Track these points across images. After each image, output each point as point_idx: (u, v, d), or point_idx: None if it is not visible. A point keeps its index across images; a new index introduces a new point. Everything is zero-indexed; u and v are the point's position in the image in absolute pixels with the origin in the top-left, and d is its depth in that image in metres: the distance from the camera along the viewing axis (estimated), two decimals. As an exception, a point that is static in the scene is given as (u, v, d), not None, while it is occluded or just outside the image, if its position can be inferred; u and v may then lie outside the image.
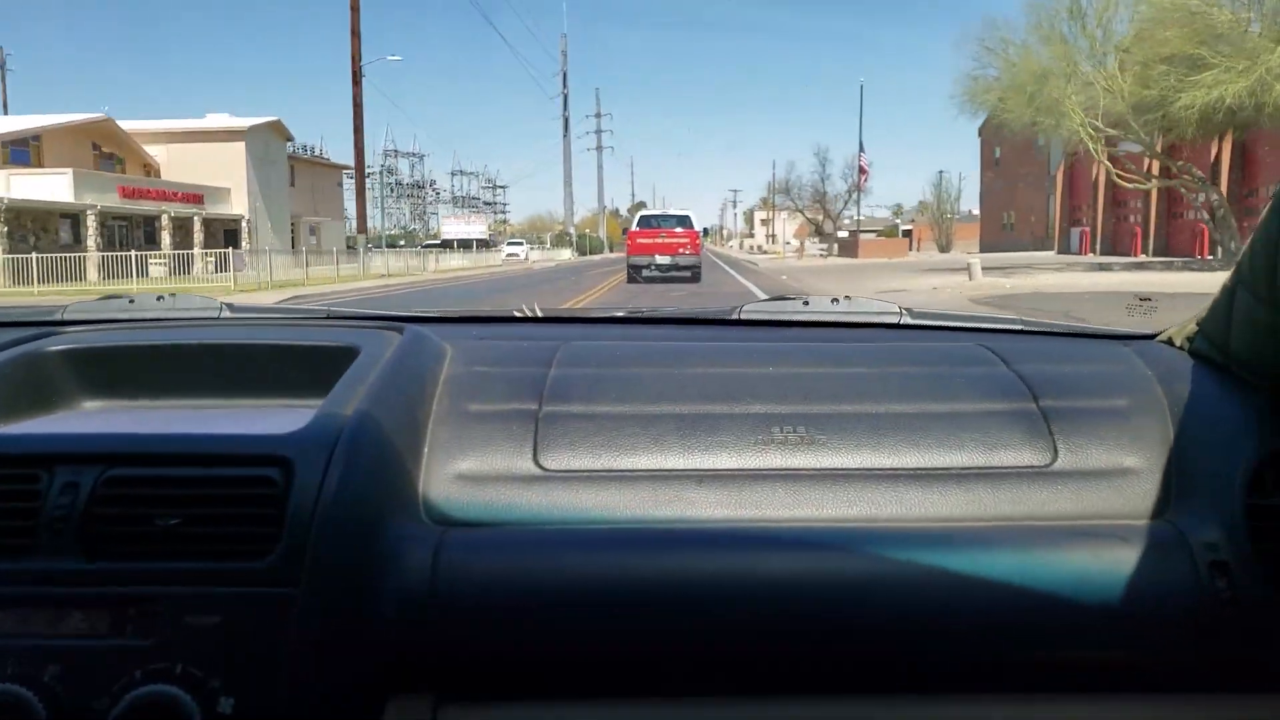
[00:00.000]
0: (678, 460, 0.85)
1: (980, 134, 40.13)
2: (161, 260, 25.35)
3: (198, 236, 28.81)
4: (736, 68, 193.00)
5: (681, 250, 18.74)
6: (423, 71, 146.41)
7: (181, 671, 0.67)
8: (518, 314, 1.30)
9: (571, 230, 65.29)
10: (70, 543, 0.70)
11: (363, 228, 25.04)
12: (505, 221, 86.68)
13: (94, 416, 0.98)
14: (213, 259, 26.41)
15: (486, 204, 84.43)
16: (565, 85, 63.78)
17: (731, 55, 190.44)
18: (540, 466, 0.84)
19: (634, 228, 19.83)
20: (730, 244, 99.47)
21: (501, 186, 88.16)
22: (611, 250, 68.16)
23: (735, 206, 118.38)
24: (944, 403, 0.91)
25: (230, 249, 25.38)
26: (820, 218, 46.02)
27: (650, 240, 18.94)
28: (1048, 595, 0.74)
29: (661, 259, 18.58)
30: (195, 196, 29.39)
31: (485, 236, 36.12)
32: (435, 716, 0.72)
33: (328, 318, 1.22)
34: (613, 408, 0.90)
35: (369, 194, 75.31)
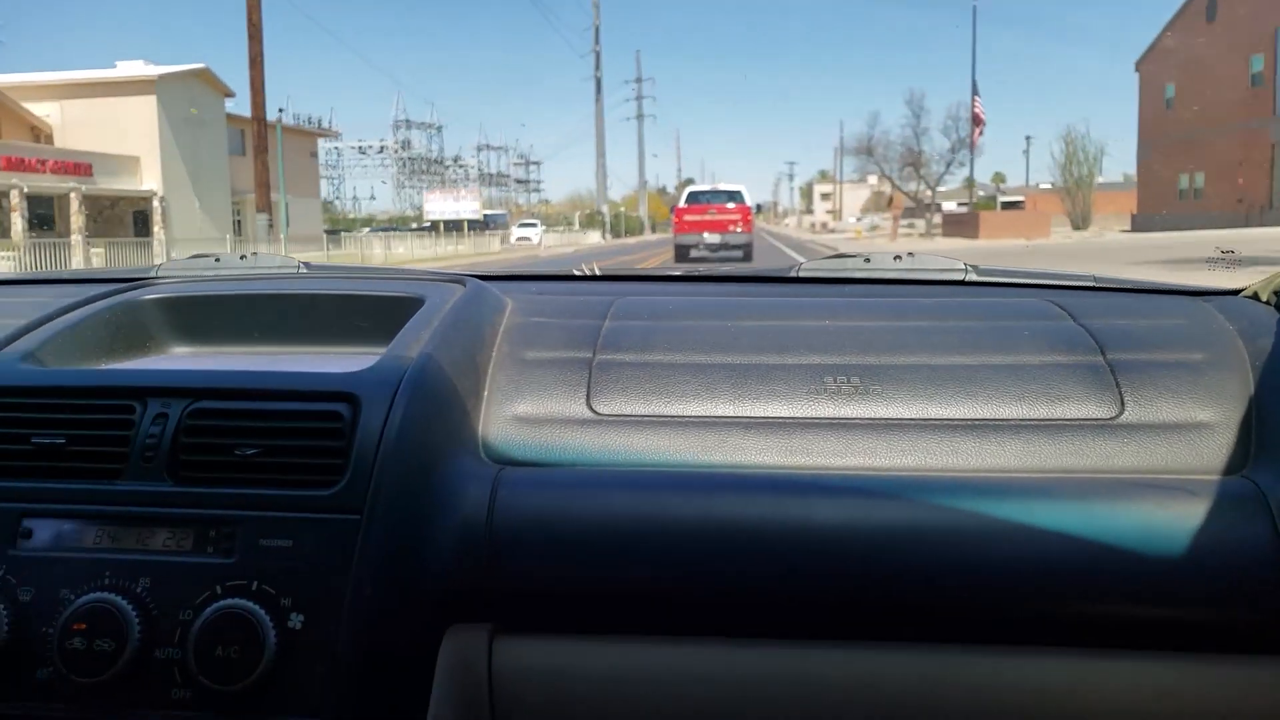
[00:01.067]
0: (728, 408, 0.85)
1: (1139, 68, 30.18)
2: (7, 253, 17.84)
3: (75, 220, 21.12)
4: (794, 25, 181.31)
5: (732, 228, 17.47)
6: (437, 33, 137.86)
7: (257, 588, 0.72)
8: (576, 273, 1.32)
9: (604, 208, 56.72)
10: (159, 468, 0.77)
11: (263, 203, 16.91)
12: (546, 201, 78.66)
13: (182, 359, 1.06)
14: (101, 249, 18.77)
15: (519, 181, 76.39)
16: (597, 41, 55.10)
17: (789, 10, 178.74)
18: (593, 410, 0.86)
19: (681, 204, 18.65)
20: (786, 222, 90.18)
21: (535, 163, 79.63)
22: (654, 231, 60.03)
23: (791, 180, 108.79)
24: (1004, 355, 0.89)
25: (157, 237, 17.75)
26: (916, 185, 36.02)
27: (699, 217, 17.66)
28: (1111, 548, 0.71)
29: (711, 237, 17.33)
30: (79, 166, 21.68)
31: (478, 215, 28.02)
32: (491, 646, 0.76)
33: (396, 274, 1.26)
34: (665, 357, 0.91)
35: (383, 170, 67.98)
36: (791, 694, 0.74)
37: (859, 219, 69.50)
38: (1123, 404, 0.83)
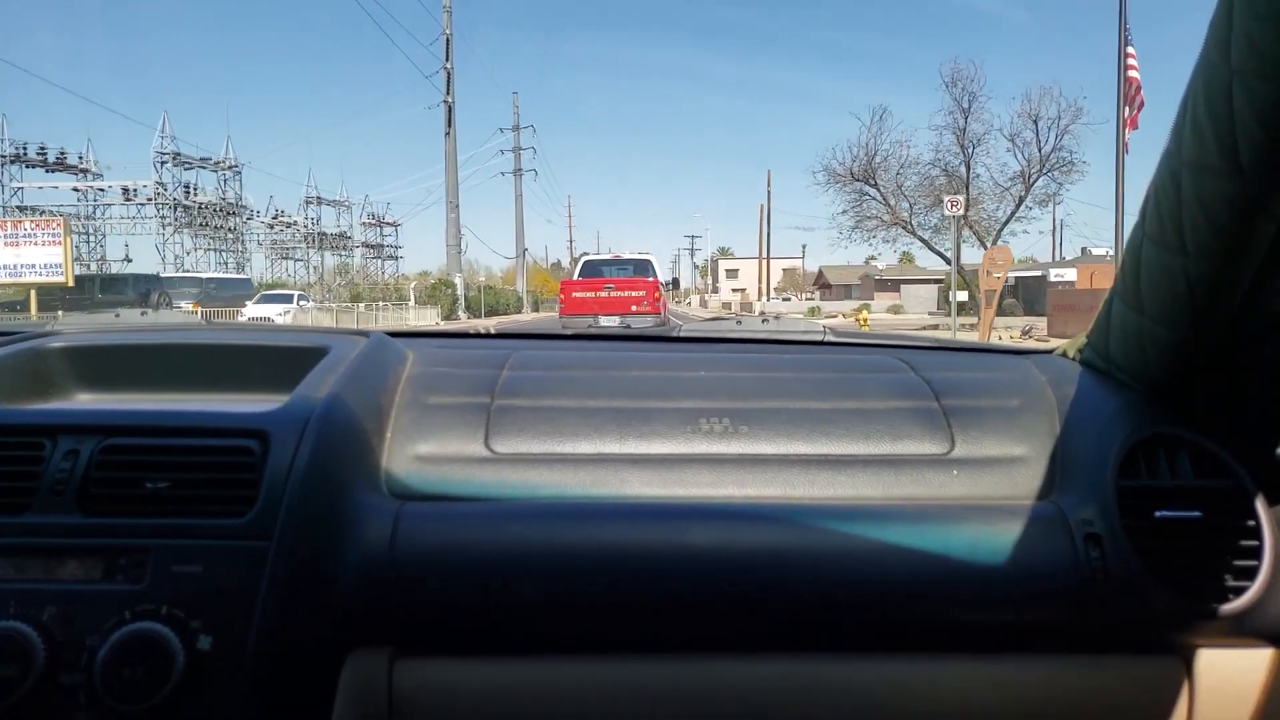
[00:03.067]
0: (614, 446, 0.94)
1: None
2: None
3: None
4: (702, 87, 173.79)
5: (635, 308, 13.50)
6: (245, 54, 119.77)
7: (166, 613, 0.74)
8: (472, 332, 1.41)
9: (457, 278, 40.85)
10: (68, 501, 0.78)
11: None
12: (425, 273, 61.97)
13: (88, 405, 1.07)
14: None
15: (370, 246, 59.78)
16: (448, 58, 40.33)
17: (694, 72, 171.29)
18: (491, 450, 0.93)
19: (575, 276, 15.07)
20: (689, 300, 76.91)
21: (392, 224, 63.21)
22: (537, 309, 45.54)
23: (693, 256, 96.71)
24: (855, 401, 1.01)
25: None
26: (959, 237, 19.99)
27: (591, 294, 13.68)
28: (942, 564, 0.83)
29: (607, 320, 13.31)
30: None
31: (56, 276, 12.39)
32: (391, 669, 0.81)
33: (301, 329, 1.33)
34: (557, 402, 0.99)
35: (136, 221, 50.11)
36: (673, 701, 0.83)
37: (785, 297, 56.56)
38: (953, 442, 0.96)
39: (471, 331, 1.37)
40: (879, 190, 20.93)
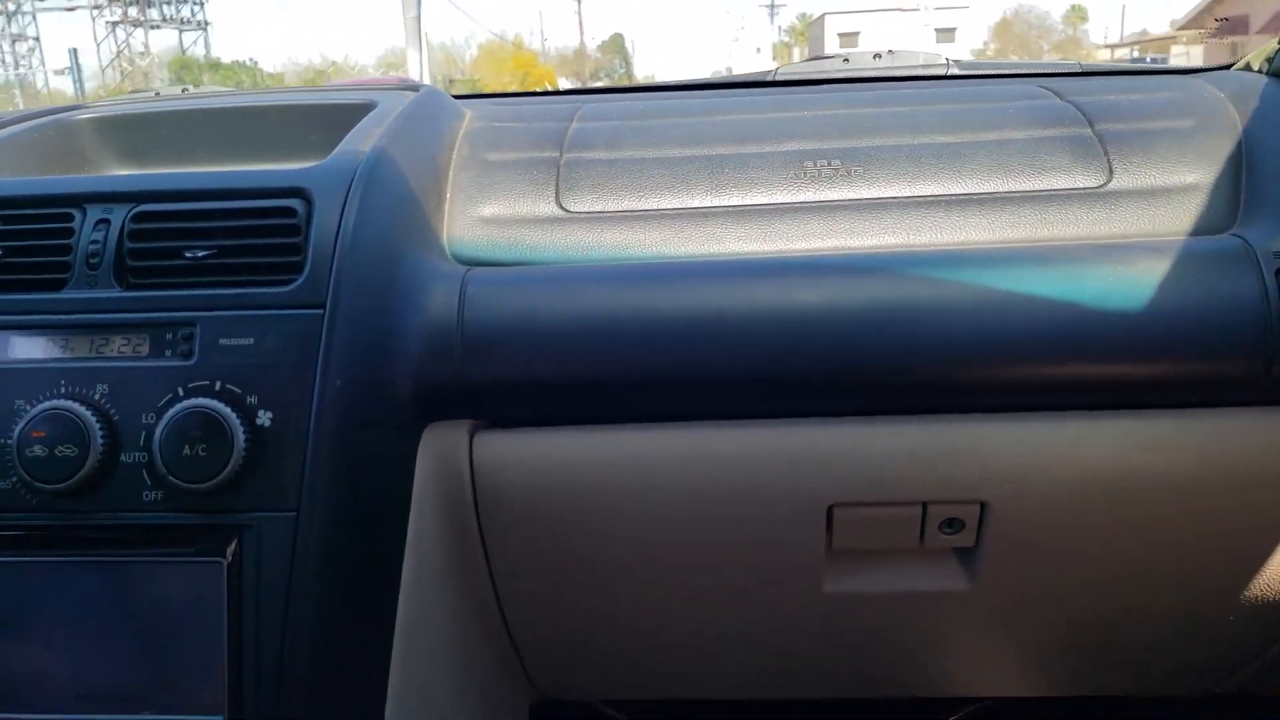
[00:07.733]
0: (705, 199, 0.85)
1: None
2: None
3: None
4: None
5: None
6: None
7: (221, 388, 0.71)
8: (537, 89, 1.59)
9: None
10: (106, 275, 0.75)
11: None
12: (254, 62, 35.64)
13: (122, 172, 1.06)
14: None
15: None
16: None
17: None
18: (563, 209, 0.85)
19: None
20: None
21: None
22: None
23: (774, 16, 67.17)
24: (990, 132, 0.89)
25: None
26: None
27: None
28: (1099, 312, 0.71)
29: None
30: None
31: None
32: (471, 443, 0.78)
33: (344, 85, 1.27)
34: (636, 153, 0.90)
35: None
36: (776, 465, 0.77)
37: (1138, 57, 29.40)
38: (1111, 172, 0.84)
39: (535, 90, 1.27)
40: None
